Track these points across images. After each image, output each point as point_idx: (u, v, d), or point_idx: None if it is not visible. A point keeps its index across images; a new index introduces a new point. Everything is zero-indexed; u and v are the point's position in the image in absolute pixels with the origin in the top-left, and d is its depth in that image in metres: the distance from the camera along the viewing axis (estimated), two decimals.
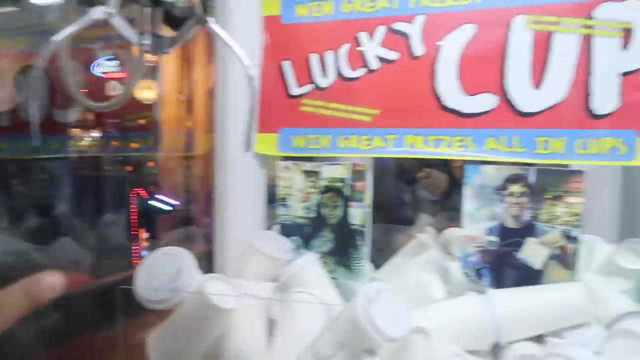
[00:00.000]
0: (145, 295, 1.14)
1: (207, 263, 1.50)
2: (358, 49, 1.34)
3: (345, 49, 1.35)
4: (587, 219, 1.67)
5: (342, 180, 1.40)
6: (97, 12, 0.88)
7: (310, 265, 1.36)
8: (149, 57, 1.03)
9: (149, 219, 2.41)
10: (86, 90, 2.06)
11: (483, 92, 1.24)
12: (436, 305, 1.25)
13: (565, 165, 1.29)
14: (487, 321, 1.18)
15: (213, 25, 0.91)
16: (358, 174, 1.38)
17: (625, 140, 1.15)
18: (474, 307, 1.21)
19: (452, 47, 1.25)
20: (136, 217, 2.42)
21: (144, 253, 2.34)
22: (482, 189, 1.28)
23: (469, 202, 1.30)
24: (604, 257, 1.47)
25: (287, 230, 1.47)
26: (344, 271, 1.42)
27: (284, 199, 1.46)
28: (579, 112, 1.18)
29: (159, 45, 0.89)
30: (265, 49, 1.43)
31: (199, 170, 2.55)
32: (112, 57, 2.26)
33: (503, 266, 1.28)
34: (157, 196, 2.51)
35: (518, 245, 1.26)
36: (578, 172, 1.23)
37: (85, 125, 2.34)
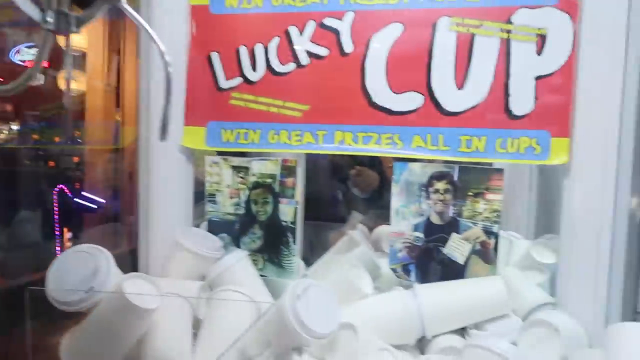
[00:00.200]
0: (57, 297, 1.07)
1: (132, 262, 1.44)
2: (288, 43, 1.32)
3: (275, 42, 1.33)
4: (508, 216, 1.77)
5: (272, 176, 1.38)
6: None
7: (239, 263, 1.34)
8: (63, 43, 0.96)
9: (71, 216, 2.27)
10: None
11: (410, 91, 1.27)
12: (364, 300, 1.26)
13: (489, 164, 1.35)
14: (413, 316, 1.21)
15: (125, 5, 0.86)
16: (288, 170, 1.37)
17: (540, 140, 1.21)
18: (401, 302, 1.23)
19: (381, 45, 1.27)
20: (57, 215, 2.28)
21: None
22: (409, 185, 1.31)
23: (396, 199, 1.32)
24: (522, 253, 1.55)
25: (216, 227, 1.43)
26: (275, 269, 1.41)
27: (212, 195, 1.43)
28: (498, 112, 1.23)
29: (64, 24, 0.82)
30: (193, 40, 1.38)
31: (125, 164, 2.44)
32: (33, 44, 2.12)
33: (429, 261, 1.32)
34: (80, 192, 2.38)
35: (443, 240, 1.30)
36: (498, 170, 1.28)
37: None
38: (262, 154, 1.40)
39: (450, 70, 1.24)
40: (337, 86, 1.30)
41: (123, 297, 1.01)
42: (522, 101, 1.21)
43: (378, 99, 1.29)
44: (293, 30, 1.32)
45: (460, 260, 1.29)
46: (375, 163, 2.14)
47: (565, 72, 1.18)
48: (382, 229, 1.67)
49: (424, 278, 1.31)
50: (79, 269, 1.10)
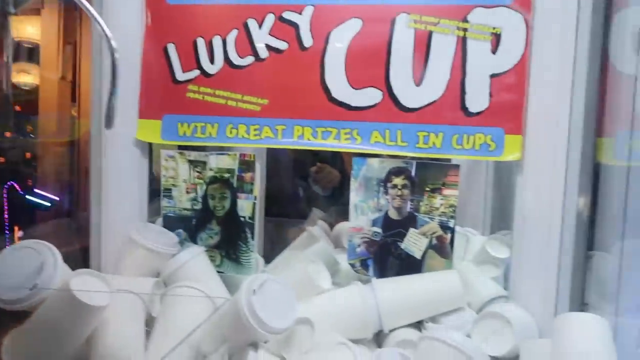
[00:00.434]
0: None
1: (83, 259, 1.40)
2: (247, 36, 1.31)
3: (233, 35, 1.31)
4: (465, 213, 1.81)
5: (230, 170, 1.36)
6: None
7: (195, 259, 1.31)
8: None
9: (22, 213, 2.18)
10: None
11: (369, 87, 1.27)
12: (322, 295, 1.26)
13: (447, 160, 1.37)
14: (370, 310, 1.21)
15: None
16: (247, 165, 1.35)
17: (495, 137, 1.24)
18: (359, 296, 1.23)
19: (340, 40, 1.27)
20: (7, 212, 2.18)
21: None
22: (368, 181, 1.32)
23: (355, 194, 1.32)
24: (478, 248, 1.59)
25: (172, 222, 1.40)
26: (233, 265, 1.39)
27: (168, 189, 1.39)
28: (455, 109, 1.25)
29: (1, 3, 0.78)
30: (148, 30, 1.35)
31: (81, 159, 2.36)
32: None
33: (387, 256, 1.33)
34: (32, 188, 2.29)
35: (401, 235, 1.31)
36: (455, 166, 1.30)
37: None
38: (219, 148, 1.37)
39: (408, 66, 1.26)
40: (297, 80, 1.30)
41: (70, 294, 0.98)
42: (477, 99, 1.24)
43: (337, 94, 1.29)
44: (252, 23, 1.31)
45: (418, 254, 1.30)
46: (336, 160, 2.14)
47: (519, 71, 1.21)
48: (342, 226, 1.68)
49: (382, 273, 1.32)
50: (23, 266, 1.05)
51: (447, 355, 0.95)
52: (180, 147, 1.39)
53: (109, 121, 0.82)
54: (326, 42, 1.28)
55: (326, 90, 1.29)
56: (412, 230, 1.31)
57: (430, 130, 1.26)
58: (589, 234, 1.28)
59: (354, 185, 1.32)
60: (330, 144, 1.30)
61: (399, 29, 1.25)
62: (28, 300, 1.03)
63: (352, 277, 1.35)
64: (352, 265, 1.35)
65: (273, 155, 1.97)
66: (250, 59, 1.31)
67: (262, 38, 1.30)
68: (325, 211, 1.98)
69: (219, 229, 1.38)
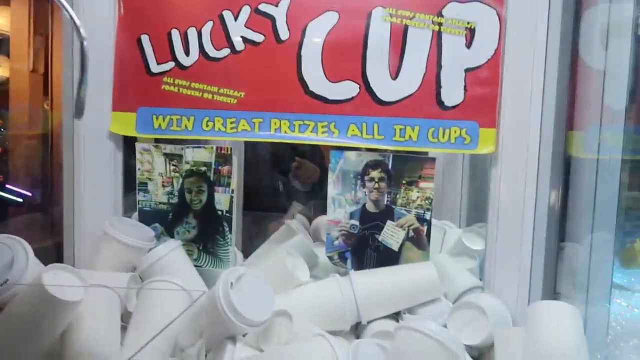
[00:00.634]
0: None
1: (58, 255, 1.37)
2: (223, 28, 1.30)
3: (209, 27, 1.30)
4: (442, 206, 1.84)
5: (206, 164, 1.35)
6: None
7: (171, 253, 1.30)
8: None
9: None
10: None
11: (345, 80, 1.28)
12: (300, 288, 1.26)
13: (425, 153, 1.38)
14: (348, 302, 1.22)
15: None
16: (223, 158, 1.34)
17: (470, 130, 1.26)
18: (337, 289, 1.24)
19: (316, 33, 1.27)
20: None
21: None
22: (345, 174, 1.32)
23: (332, 187, 1.33)
24: (454, 240, 1.61)
25: (148, 216, 1.38)
26: (210, 259, 1.38)
27: (143, 183, 1.38)
28: (430, 103, 1.26)
29: None
30: (121, 21, 1.32)
31: (55, 153, 2.31)
32: None
33: (364, 249, 1.34)
34: (3, 184, 2.23)
35: (378, 228, 1.32)
36: (431, 159, 1.32)
37: None
38: (196, 141, 1.36)
39: (384, 60, 1.27)
40: (273, 73, 1.29)
41: (42, 289, 0.95)
42: (452, 92, 1.25)
43: (314, 87, 1.29)
44: (227, 15, 1.30)
45: (395, 247, 1.32)
46: (316, 155, 2.15)
47: (492, 65, 1.23)
48: (321, 219, 1.68)
49: (360, 265, 1.33)
50: None
51: (423, 345, 0.96)
52: (155, 140, 1.38)
53: (78, 111, 0.81)
54: (303, 35, 1.27)
55: (303, 83, 1.29)
56: (389, 222, 1.32)
57: (406, 123, 1.27)
58: (561, 225, 1.31)
59: (331, 178, 1.33)
60: (307, 137, 1.30)
61: (375, 23, 1.26)
62: None
63: (331, 270, 1.36)
64: (330, 258, 1.36)
65: (252, 150, 1.96)
66: (226, 51, 1.30)
67: (238, 30, 1.29)
68: (305, 205, 1.98)
69: (196, 222, 1.37)
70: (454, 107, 1.26)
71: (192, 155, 1.35)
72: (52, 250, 1.50)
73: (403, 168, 1.30)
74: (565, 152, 1.31)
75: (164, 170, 1.37)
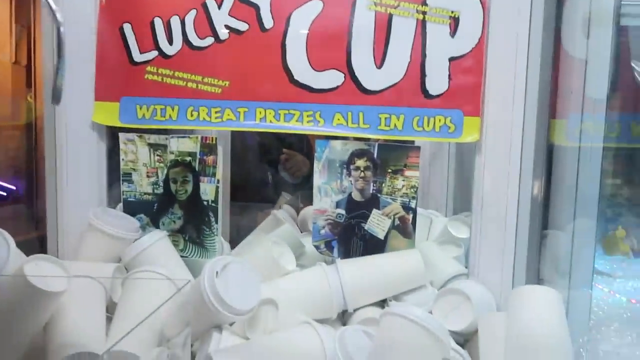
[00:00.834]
0: None
1: (40, 246, 1.36)
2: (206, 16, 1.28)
3: (192, 15, 1.29)
4: (429, 195, 1.85)
5: (191, 154, 1.34)
6: None
7: (157, 243, 1.29)
8: None
9: None
10: None
11: (331, 69, 1.27)
12: (287, 277, 1.26)
13: (411, 142, 1.39)
14: (335, 290, 1.22)
15: None
16: (208, 148, 1.34)
17: (454, 119, 1.26)
18: (323, 277, 1.24)
19: (301, 22, 1.27)
20: None
21: None
22: (331, 163, 1.32)
23: (318, 176, 1.33)
24: (440, 229, 1.63)
25: (132, 207, 1.37)
26: (197, 249, 1.38)
27: (128, 174, 1.36)
28: (415, 91, 1.27)
29: None
30: (102, 9, 1.30)
31: (36, 144, 2.28)
32: None
33: (351, 237, 1.34)
34: None
35: (364, 217, 1.33)
36: (416, 148, 1.32)
37: None
38: (180, 131, 1.35)
39: (369, 49, 1.26)
40: (258, 62, 1.28)
41: (24, 280, 0.94)
42: (437, 81, 1.26)
43: (299, 76, 1.28)
44: (211, 3, 1.28)
45: (381, 235, 1.33)
46: (303, 145, 2.14)
47: (476, 54, 1.23)
48: (308, 210, 1.68)
49: (346, 254, 1.34)
50: None
51: (408, 330, 0.97)
52: (139, 130, 1.37)
53: (55, 96, 0.79)
54: (287, 23, 1.27)
55: (288, 72, 1.28)
56: (375, 211, 1.32)
57: (391, 112, 1.28)
58: (544, 213, 1.33)
59: (317, 167, 1.33)
60: (292, 127, 1.30)
61: (359, 11, 1.26)
62: None
63: (317, 259, 1.36)
64: (317, 247, 1.36)
65: (241, 141, 1.95)
66: (210, 40, 1.29)
67: (221, 19, 1.28)
68: (293, 196, 1.98)
69: (181, 213, 1.37)
70: (438, 95, 1.26)
71: (177, 145, 1.34)
72: (36, 243, 1.49)
73: (388, 157, 1.30)
74: (548, 141, 1.33)
75: (148, 161, 1.36)
